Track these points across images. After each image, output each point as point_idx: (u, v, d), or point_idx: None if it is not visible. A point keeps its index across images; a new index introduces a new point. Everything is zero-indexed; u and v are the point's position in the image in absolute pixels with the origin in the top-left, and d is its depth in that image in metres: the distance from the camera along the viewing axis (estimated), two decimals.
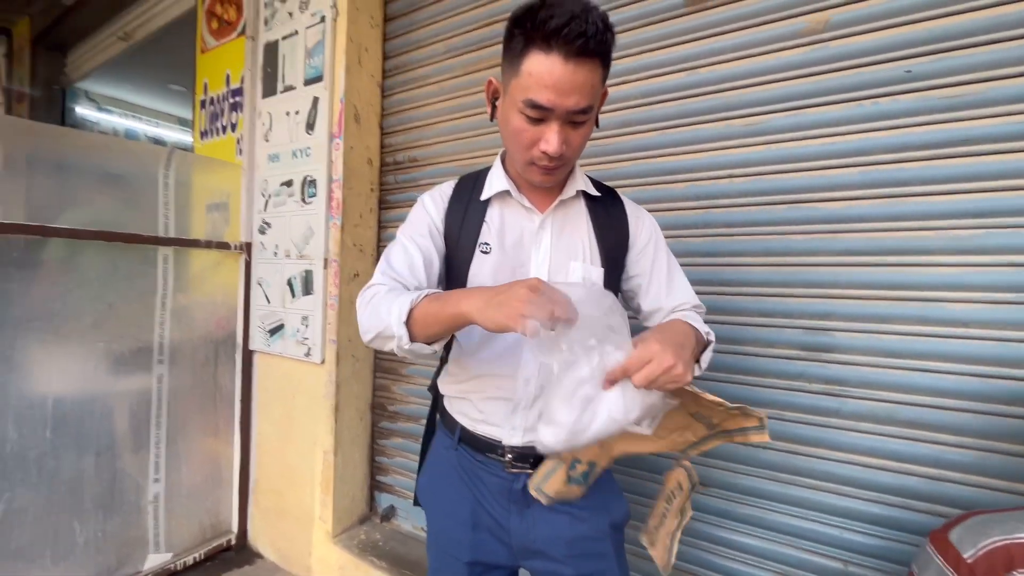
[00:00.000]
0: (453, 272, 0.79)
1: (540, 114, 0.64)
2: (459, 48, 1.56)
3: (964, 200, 0.93)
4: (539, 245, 0.77)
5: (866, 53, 1.01)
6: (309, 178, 1.68)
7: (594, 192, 0.81)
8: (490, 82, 0.74)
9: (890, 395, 0.99)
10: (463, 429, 0.81)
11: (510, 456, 0.76)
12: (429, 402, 0.95)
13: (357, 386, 1.71)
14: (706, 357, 0.73)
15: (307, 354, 1.68)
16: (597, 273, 0.78)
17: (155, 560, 1.67)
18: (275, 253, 1.79)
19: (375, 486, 1.80)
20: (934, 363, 0.96)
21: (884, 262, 0.99)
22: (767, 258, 1.10)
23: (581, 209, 0.81)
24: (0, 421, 1.32)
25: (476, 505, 0.80)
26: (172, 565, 1.69)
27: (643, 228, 0.83)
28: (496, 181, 0.78)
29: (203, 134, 2.08)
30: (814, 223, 1.05)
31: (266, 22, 1.82)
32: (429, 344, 0.65)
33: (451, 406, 0.84)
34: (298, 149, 1.72)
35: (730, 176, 1.14)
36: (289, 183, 1.74)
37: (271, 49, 1.80)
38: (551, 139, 0.66)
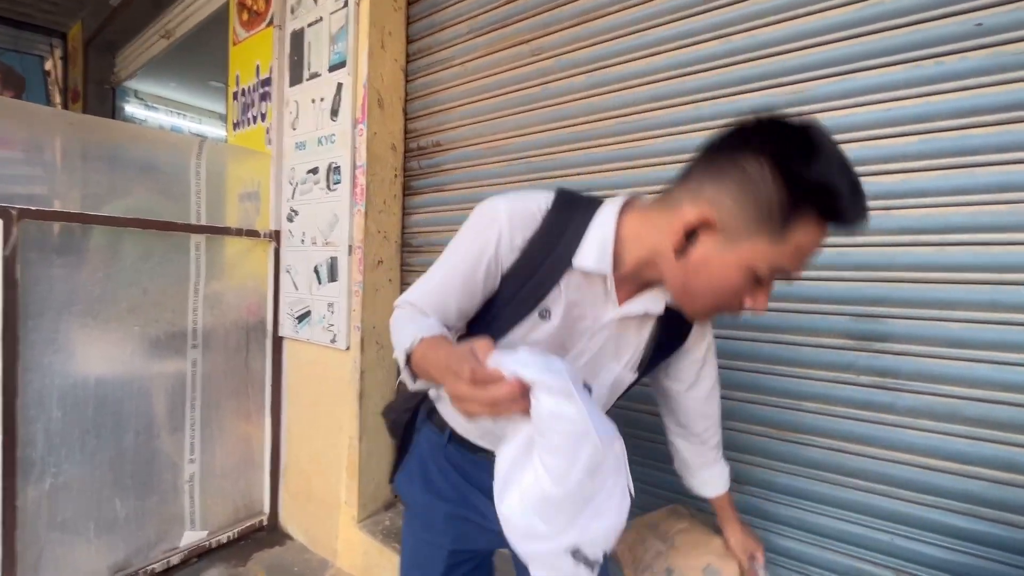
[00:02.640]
0: (493, 313, 0.67)
1: (773, 277, 0.56)
2: (482, 27, 1.52)
3: None
4: (594, 337, 0.68)
5: (928, 7, 0.90)
6: (334, 165, 1.69)
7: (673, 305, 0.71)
8: (703, 216, 0.54)
9: (952, 389, 0.89)
10: (453, 431, 0.80)
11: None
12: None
13: (382, 373, 1.71)
14: None
15: (333, 340, 1.69)
16: (629, 378, 0.73)
17: (191, 537, 1.72)
18: (302, 240, 1.81)
19: None
20: (1004, 354, 0.85)
21: (948, 241, 0.88)
22: None
23: (653, 317, 0.71)
24: (46, 400, 1.38)
25: (462, 499, 0.79)
26: (207, 543, 1.75)
27: (703, 341, 0.77)
28: (598, 253, 0.62)
29: (236, 125, 2.13)
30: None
31: (292, 10, 1.83)
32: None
33: (442, 407, 0.81)
34: (323, 136, 1.72)
35: None
36: (315, 170, 1.75)
37: (297, 37, 1.81)
38: (761, 299, 0.57)
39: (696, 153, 0.59)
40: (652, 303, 0.66)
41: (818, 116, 0.99)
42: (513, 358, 0.45)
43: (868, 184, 0.93)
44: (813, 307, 1.01)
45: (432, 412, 0.84)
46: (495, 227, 0.63)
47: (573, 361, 0.70)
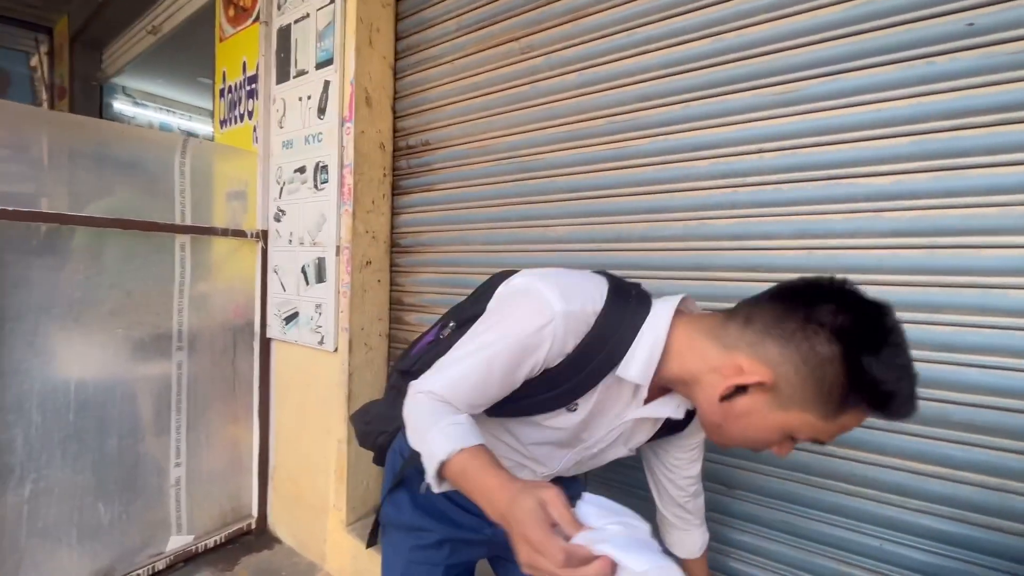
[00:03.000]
0: (519, 395, 0.65)
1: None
2: (471, 24, 1.49)
3: None
4: (611, 431, 0.70)
5: (919, 6, 0.88)
6: (321, 164, 1.66)
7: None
8: (760, 380, 0.54)
9: (941, 393, 0.88)
10: None
11: None
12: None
13: (370, 375, 1.69)
14: None
15: (320, 342, 1.67)
16: (629, 455, 0.76)
17: (177, 542, 1.70)
18: (289, 240, 1.78)
19: None
20: (994, 358, 0.84)
21: (938, 244, 0.87)
22: (801, 240, 1.00)
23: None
24: (25, 404, 1.35)
25: (454, 522, 0.80)
26: (194, 547, 1.72)
27: (699, 433, 0.80)
28: (644, 368, 0.61)
29: (223, 123, 2.09)
30: (857, 201, 0.94)
31: (279, 6, 1.80)
32: None
33: None
34: (310, 135, 1.69)
35: (760, 151, 1.04)
36: (302, 170, 1.72)
37: (284, 33, 1.78)
38: (786, 449, 0.60)
39: (764, 299, 0.59)
40: (675, 409, 0.67)
41: (809, 117, 0.98)
42: (603, 535, 0.42)
43: (858, 186, 0.94)
44: None
45: None
46: (549, 331, 0.59)
47: (586, 449, 0.72)
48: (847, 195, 0.95)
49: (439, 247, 1.61)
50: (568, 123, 1.31)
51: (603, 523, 0.44)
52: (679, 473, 0.84)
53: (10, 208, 1.28)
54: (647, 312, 0.63)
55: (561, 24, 1.31)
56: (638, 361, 0.61)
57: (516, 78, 1.40)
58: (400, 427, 0.85)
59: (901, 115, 0.90)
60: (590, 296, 0.61)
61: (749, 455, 1.06)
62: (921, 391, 0.86)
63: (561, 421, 0.67)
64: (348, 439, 1.63)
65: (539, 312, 0.59)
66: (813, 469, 1.00)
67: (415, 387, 0.62)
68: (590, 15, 1.26)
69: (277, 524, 1.93)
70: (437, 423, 0.55)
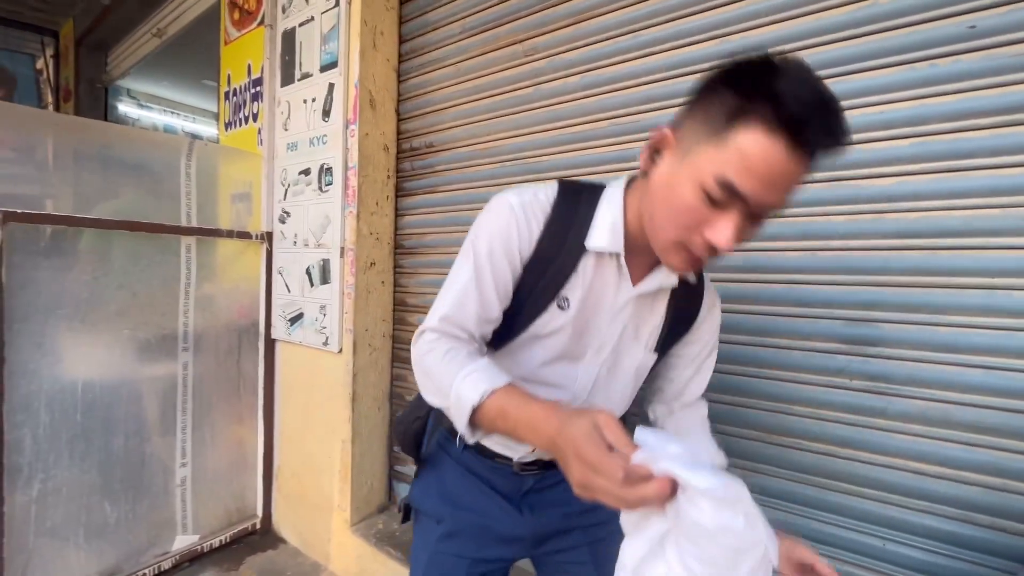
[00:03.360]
0: (514, 307, 0.67)
1: (726, 198, 0.51)
2: (475, 27, 1.50)
3: None
4: (613, 323, 0.68)
5: (922, 9, 0.89)
6: (326, 166, 1.67)
7: (692, 278, 0.70)
8: (661, 132, 0.57)
9: (945, 394, 0.88)
10: None
11: (519, 463, 0.75)
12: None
13: (374, 375, 1.70)
14: None
15: (325, 343, 1.68)
16: (651, 360, 0.72)
17: (183, 541, 1.71)
18: (294, 242, 1.79)
19: (394, 476, 1.79)
20: (997, 359, 0.84)
21: (941, 245, 0.88)
22: (804, 242, 1.01)
23: (667, 291, 0.71)
24: (33, 404, 1.36)
25: (483, 508, 0.78)
26: (199, 547, 1.73)
27: (710, 321, 0.76)
28: (610, 233, 0.63)
29: (227, 125, 2.11)
30: (859, 202, 0.95)
31: (284, 10, 1.81)
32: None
33: None
34: (315, 137, 1.70)
35: None
36: (307, 171, 1.74)
37: (288, 37, 1.79)
38: (725, 231, 0.52)
39: None
40: (665, 278, 0.67)
41: None
42: (664, 454, 0.41)
43: (860, 188, 0.94)
44: (805, 311, 1.01)
45: (444, 418, 0.80)
46: (512, 219, 0.63)
47: (598, 352, 0.70)
48: (850, 196, 0.96)
49: (443, 248, 1.62)
50: (572, 125, 1.31)
51: (661, 446, 0.43)
52: (684, 380, 0.78)
53: (18, 210, 1.30)
54: (601, 191, 0.67)
55: (565, 26, 1.31)
56: (603, 228, 0.64)
57: (520, 81, 1.41)
58: (431, 409, 0.83)
59: (904, 117, 0.91)
60: (542, 188, 0.67)
61: (750, 454, 1.07)
62: (925, 392, 0.89)
63: (558, 321, 0.66)
64: (352, 439, 1.64)
65: (499, 211, 0.64)
66: (815, 469, 1.00)
67: (421, 329, 0.65)
68: (594, 17, 1.26)
69: (282, 524, 1.94)
70: (458, 372, 0.56)
